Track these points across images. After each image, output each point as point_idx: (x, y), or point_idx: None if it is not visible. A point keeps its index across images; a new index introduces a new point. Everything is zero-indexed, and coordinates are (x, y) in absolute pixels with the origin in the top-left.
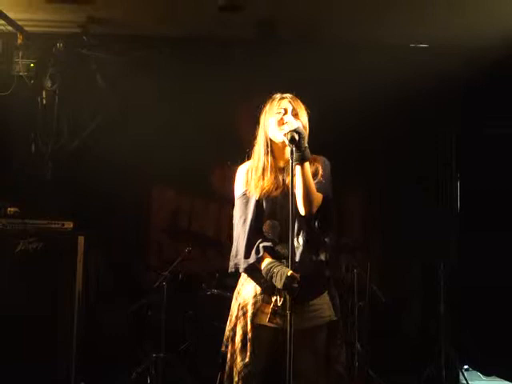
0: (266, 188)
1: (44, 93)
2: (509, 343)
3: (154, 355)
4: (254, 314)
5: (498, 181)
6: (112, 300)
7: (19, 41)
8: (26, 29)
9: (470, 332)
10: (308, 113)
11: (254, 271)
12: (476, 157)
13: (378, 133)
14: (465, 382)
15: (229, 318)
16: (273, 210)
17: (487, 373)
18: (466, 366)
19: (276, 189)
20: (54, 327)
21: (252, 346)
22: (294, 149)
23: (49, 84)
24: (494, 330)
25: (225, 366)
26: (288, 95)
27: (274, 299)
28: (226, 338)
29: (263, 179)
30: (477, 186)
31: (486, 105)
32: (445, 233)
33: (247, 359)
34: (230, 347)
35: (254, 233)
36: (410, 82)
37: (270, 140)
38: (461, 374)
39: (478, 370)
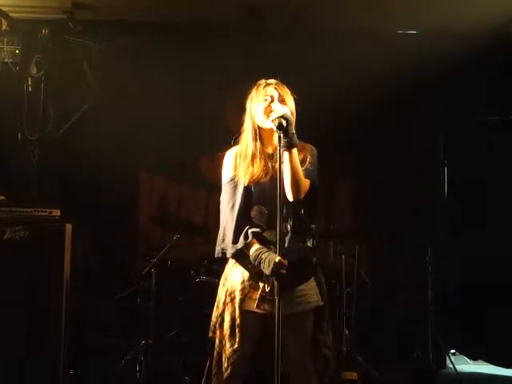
0: (256, 175)
1: (30, 80)
2: (494, 328)
3: (143, 342)
4: (242, 300)
5: (485, 169)
6: (100, 288)
7: (4, 27)
8: (11, 15)
9: (456, 317)
10: (294, 97)
11: (241, 257)
12: (464, 144)
13: (366, 120)
14: (451, 366)
15: (216, 304)
16: (261, 196)
17: (473, 357)
18: (452, 351)
19: (265, 175)
20: (41, 315)
21: (241, 331)
22: (281, 135)
23: (34, 71)
24: (480, 315)
25: (213, 352)
26: (273, 81)
27: (261, 285)
28: (213, 324)
29: (253, 165)
30: (464, 174)
31: (475, 92)
32: (432, 220)
33: (236, 345)
34: (218, 333)
35: (243, 218)
36: (398, 68)
37: (258, 127)
38: (448, 358)
39: (464, 355)
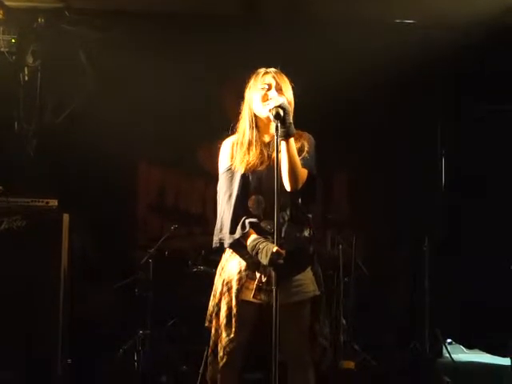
0: (252, 162)
1: (26, 69)
2: (490, 317)
3: (141, 332)
4: (239, 290)
5: (483, 159)
6: (98, 278)
7: (0, 16)
8: (7, 3)
9: (453, 307)
10: (293, 87)
11: (239, 247)
12: (462, 134)
13: (364, 110)
14: (448, 355)
15: (212, 293)
16: (258, 186)
17: (469, 346)
18: (449, 340)
19: (261, 163)
20: (39, 306)
21: (237, 321)
22: (278, 124)
23: (31, 60)
24: (477, 304)
25: (209, 341)
26: (272, 70)
27: (258, 275)
28: (209, 313)
29: (249, 153)
30: (463, 164)
31: (474, 83)
32: (430, 209)
33: (232, 334)
34: (214, 322)
35: (240, 208)
36: (396, 58)
37: (255, 115)
38: (444, 347)
39: (460, 344)
